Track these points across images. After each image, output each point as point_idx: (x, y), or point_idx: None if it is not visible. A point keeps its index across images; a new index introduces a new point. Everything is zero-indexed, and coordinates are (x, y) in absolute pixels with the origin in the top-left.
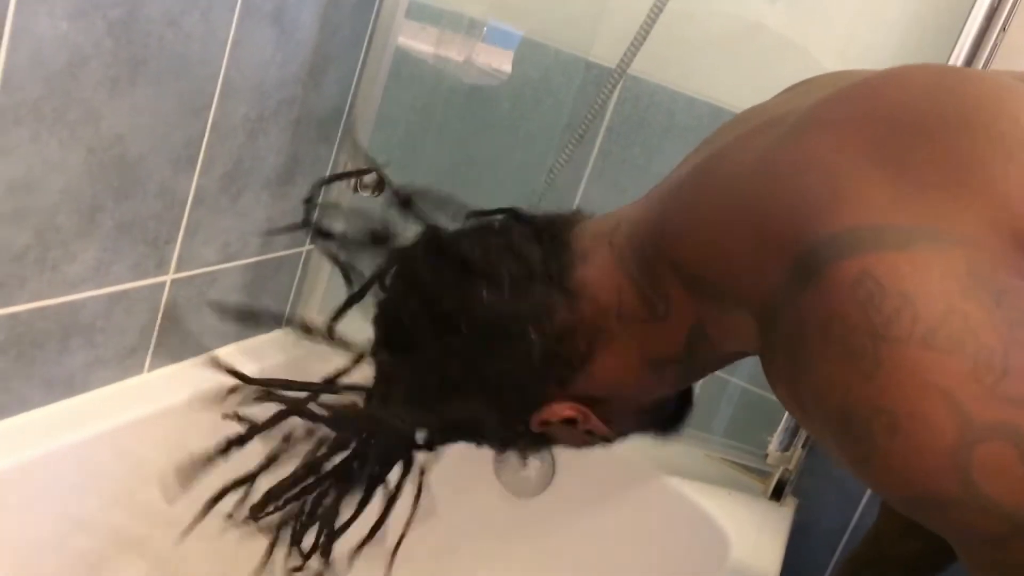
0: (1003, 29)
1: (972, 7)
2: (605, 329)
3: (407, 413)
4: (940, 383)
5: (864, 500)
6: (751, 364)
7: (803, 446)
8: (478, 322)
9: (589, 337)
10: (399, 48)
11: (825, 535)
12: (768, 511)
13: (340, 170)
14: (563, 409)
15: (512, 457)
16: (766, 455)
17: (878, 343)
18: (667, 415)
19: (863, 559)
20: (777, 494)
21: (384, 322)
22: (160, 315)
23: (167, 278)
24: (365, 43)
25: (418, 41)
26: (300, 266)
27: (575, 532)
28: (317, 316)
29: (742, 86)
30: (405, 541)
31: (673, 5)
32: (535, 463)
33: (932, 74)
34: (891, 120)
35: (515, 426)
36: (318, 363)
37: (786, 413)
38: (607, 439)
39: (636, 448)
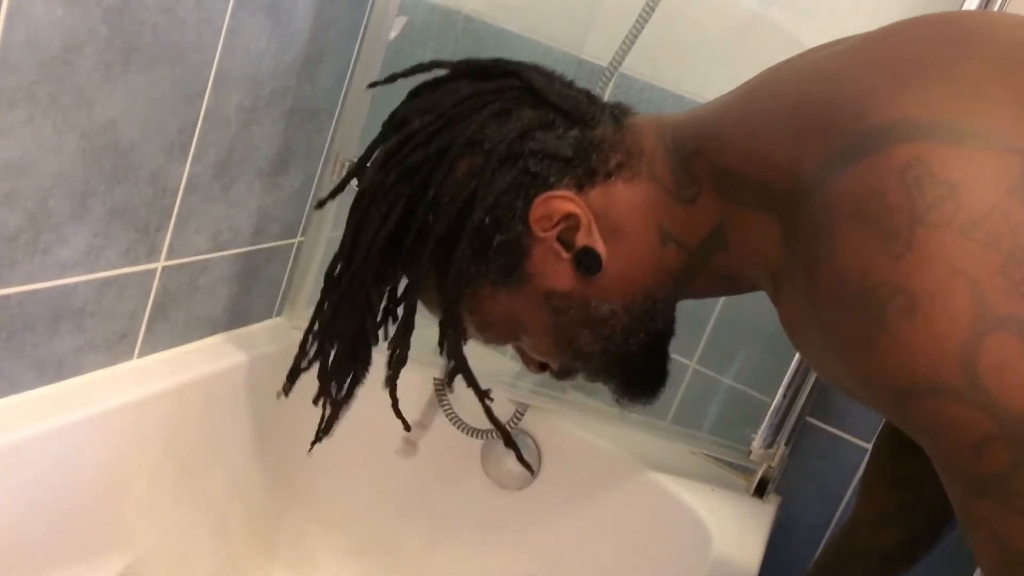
0: None
1: (963, 4)
2: (637, 165)
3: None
4: (969, 271)
5: (845, 498)
6: (740, 362)
7: (786, 444)
8: (531, 90)
9: (620, 160)
10: (392, 43)
11: (807, 532)
12: (751, 507)
13: (333, 162)
14: (569, 204)
15: (496, 446)
16: (749, 452)
17: (915, 226)
18: (640, 371)
19: (840, 550)
20: (760, 491)
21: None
22: (151, 302)
23: (158, 265)
24: (360, 36)
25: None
26: (292, 257)
27: (559, 525)
28: (307, 308)
29: (732, 85)
30: (393, 533)
31: (665, 4)
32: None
33: (996, 19)
34: (962, 43)
35: (515, 211)
36: None
37: (771, 410)
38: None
39: (621, 443)
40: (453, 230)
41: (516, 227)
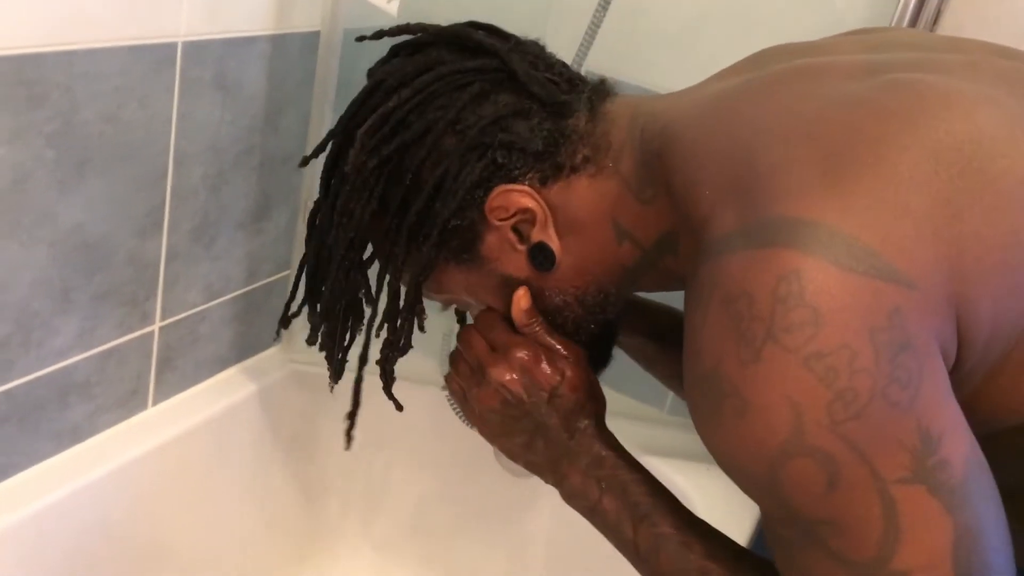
0: None
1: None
2: (602, 160)
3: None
4: (797, 400)
5: None
6: None
7: None
8: (512, 75)
9: (586, 154)
10: (343, 78)
11: None
12: None
13: (312, 197)
14: (527, 199)
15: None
16: None
17: (768, 341)
18: (598, 346)
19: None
20: None
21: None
22: (154, 359)
23: (154, 327)
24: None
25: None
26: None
27: (553, 509)
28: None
29: (694, 74)
30: (422, 523)
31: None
32: None
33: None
34: (918, 129)
35: (475, 199)
36: (321, 372)
37: None
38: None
39: (620, 431)
40: (423, 214)
41: (472, 213)
